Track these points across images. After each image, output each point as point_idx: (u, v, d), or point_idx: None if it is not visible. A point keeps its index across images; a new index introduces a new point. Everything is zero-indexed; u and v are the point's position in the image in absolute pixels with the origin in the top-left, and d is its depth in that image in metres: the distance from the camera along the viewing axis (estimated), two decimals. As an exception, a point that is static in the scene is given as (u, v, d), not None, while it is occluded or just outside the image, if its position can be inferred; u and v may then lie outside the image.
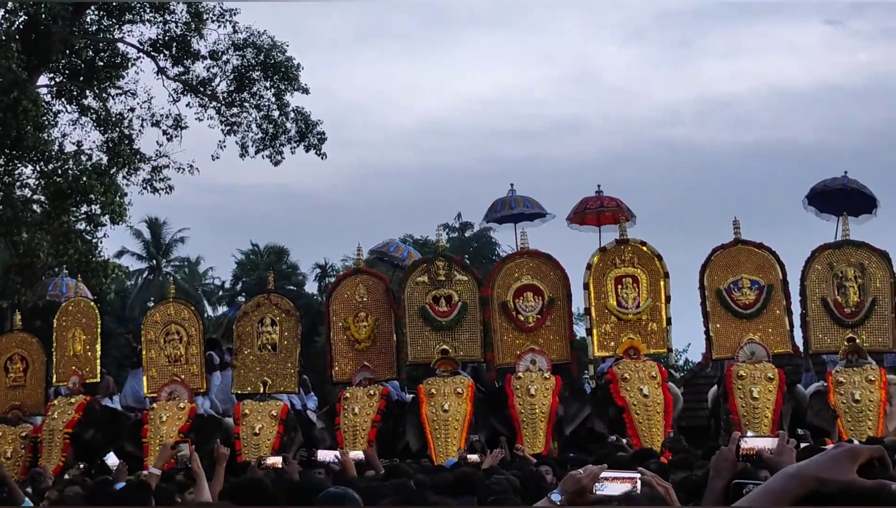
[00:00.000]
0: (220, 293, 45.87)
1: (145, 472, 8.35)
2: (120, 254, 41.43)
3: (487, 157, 68.47)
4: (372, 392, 13.06)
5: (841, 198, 14.33)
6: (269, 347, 13.94)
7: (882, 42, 74.90)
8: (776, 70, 75.11)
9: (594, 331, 13.18)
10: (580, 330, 19.45)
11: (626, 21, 77.68)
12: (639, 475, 3.30)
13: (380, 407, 12.91)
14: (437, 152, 71.94)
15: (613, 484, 3.22)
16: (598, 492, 3.19)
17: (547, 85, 76.22)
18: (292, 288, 40.99)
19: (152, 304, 16.65)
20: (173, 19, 23.27)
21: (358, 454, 9.63)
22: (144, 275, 45.18)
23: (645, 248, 13.41)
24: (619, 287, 13.28)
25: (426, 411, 12.49)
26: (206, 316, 31.28)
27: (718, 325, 13.19)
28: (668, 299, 13.25)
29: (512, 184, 15.45)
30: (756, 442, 3.81)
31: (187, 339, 14.12)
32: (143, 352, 14.23)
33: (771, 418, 12.08)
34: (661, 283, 13.27)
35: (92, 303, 15.11)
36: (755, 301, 13.18)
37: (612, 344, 13.07)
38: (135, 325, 16.37)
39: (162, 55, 23.52)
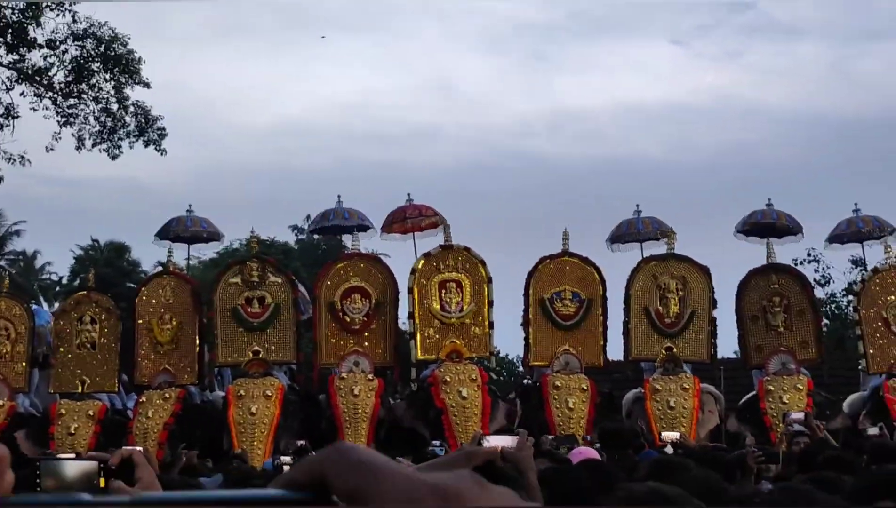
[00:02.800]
0: (58, 288, 44.48)
1: None
2: (-50, 246, 39.90)
3: (342, 160, 68.25)
4: (168, 395, 12.85)
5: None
6: (88, 345, 13.59)
7: (724, 64, 77.51)
8: (625, 87, 77.01)
9: (417, 335, 13.23)
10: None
11: (484, 32, 78.66)
12: None
13: (174, 410, 12.70)
14: (291, 152, 71.37)
15: None
16: None
17: (405, 91, 76.59)
18: (132, 285, 39.96)
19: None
20: (9, 5, 22.48)
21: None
22: (-23, 269, 43.54)
23: (469, 254, 13.50)
24: (443, 291, 13.37)
25: (233, 413, 12.34)
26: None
27: (538, 334, 13.40)
28: (490, 303, 13.41)
29: (339, 196, 15.45)
30: (496, 440, 3.95)
31: (15, 336, 13.71)
32: None
33: (585, 427, 12.33)
34: (485, 288, 13.41)
35: None
36: (575, 313, 13.45)
37: (436, 347, 13.14)
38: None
39: (-5, 41, 22.71)
